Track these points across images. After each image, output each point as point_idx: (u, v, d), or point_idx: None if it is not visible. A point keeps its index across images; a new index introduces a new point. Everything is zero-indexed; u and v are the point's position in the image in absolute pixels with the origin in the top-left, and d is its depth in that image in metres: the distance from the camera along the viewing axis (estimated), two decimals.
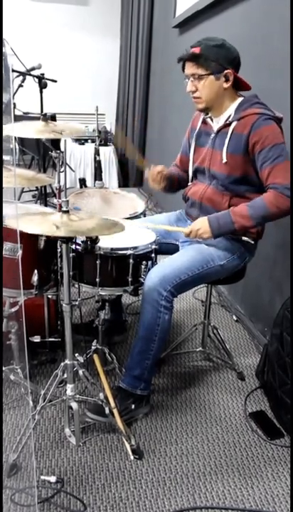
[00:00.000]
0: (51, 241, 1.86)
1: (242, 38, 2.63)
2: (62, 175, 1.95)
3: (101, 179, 2.72)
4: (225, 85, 1.86)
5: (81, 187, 2.69)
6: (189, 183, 2.16)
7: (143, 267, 1.92)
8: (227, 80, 1.85)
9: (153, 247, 1.93)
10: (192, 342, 2.58)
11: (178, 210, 2.30)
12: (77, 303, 1.73)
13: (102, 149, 4.55)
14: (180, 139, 2.28)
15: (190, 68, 1.86)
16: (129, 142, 2.07)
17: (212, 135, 1.97)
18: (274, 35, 2.31)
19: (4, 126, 1.92)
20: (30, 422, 1.82)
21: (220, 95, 1.88)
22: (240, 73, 1.89)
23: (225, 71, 1.83)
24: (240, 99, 1.91)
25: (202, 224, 1.91)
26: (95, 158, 2.81)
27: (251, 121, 1.80)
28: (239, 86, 1.92)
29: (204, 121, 2.05)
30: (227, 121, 1.89)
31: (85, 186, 2.70)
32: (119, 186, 5.81)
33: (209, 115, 2.00)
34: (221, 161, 1.90)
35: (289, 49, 2.07)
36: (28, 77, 2.96)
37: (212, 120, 2.00)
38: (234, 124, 1.86)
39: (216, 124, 1.97)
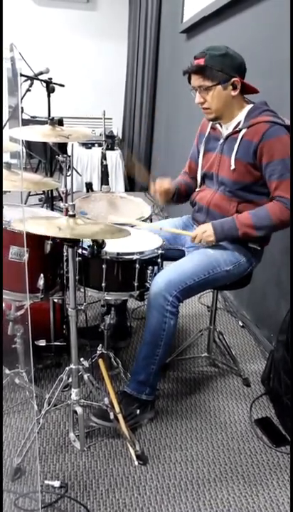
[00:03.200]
0: (57, 245, 1.86)
1: (250, 43, 2.63)
2: (68, 179, 1.95)
3: (107, 183, 2.72)
4: (233, 93, 1.85)
5: (87, 191, 2.69)
6: (197, 189, 2.16)
7: (149, 271, 1.92)
8: (234, 88, 1.85)
9: (160, 252, 1.93)
10: (197, 347, 2.57)
11: (184, 216, 2.29)
12: (82, 307, 1.73)
13: (108, 153, 4.56)
14: (187, 143, 2.28)
15: (196, 80, 1.86)
16: (141, 169, 2.09)
17: (221, 141, 1.97)
18: (282, 40, 2.30)
19: (12, 130, 1.93)
20: (35, 426, 1.81)
21: (229, 104, 1.88)
22: (246, 78, 1.89)
23: (232, 79, 1.82)
24: (249, 106, 1.90)
25: (206, 228, 1.93)
26: (102, 162, 2.81)
27: (262, 130, 1.79)
28: (246, 91, 1.91)
29: (213, 127, 2.05)
30: (237, 128, 1.89)
31: (92, 190, 2.70)
32: (126, 190, 5.82)
33: (219, 121, 1.99)
34: (229, 167, 1.90)
35: None
36: (35, 81, 2.97)
37: (221, 126, 2.00)
38: (244, 131, 1.85)
39: (225, 130, 1.97)
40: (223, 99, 1.86)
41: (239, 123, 1.90)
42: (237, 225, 1.87)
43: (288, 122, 1.83)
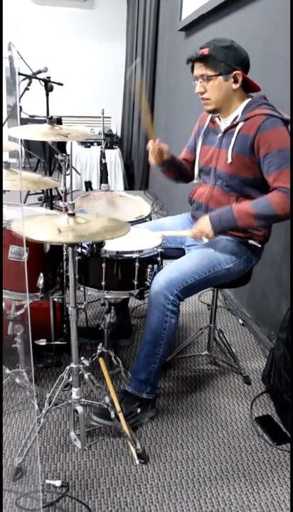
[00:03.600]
0: (57, 244, 1.86)
1: (248, 40, 2.62)
2: (68, 178, 1.95)
3: (107, 182, 2.72)
4: (234, 86, 1.85)
5: (87, 190, 2.69)
6: (194, 181, 2.15)
7: (149, 270, 1.91)
8: (235, 81, 1.84)
9: (159, 250, 1.93)
10: (198, 346, 2.57)
11: (183, 214, 2.29)
12: (82, 306, 1.72)
13: (107, 152, 4.56)
14: (185, 140, 2.28)
15: (199, 69, 1.86)
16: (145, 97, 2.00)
17: (220, 134, 1.97)
18: (279, 38, 2.30)
19: (10, 129, 1.93)
20: (36, 425, 1.81)
21: (228, 96, 1.88)
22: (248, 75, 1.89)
23: (234, 72, 1.82)
24: (247, 100, 1.90)
25: (204, 224, 1.91)
26: (101, 161, 2.81)
27: (258, 123, 1.79)
28: (248, 88, 1.91)
29: (212, 120, 2.04)
30: (235, 122, 1.88)
31: (91, 189, 2.70)
32: (125, 189, 5.82)
33: (217, 114, 1.99)
34: (226, 161, 1.90)
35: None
36: (34, 80, 2.97)
37: (220, 120, 1.99)
38: (240, 124, 1.85)
39: (224, 124, 1.97)
40: (223, 90, 1.86)
41: (237, 116, 1.89)
42: (235, 216, 1.83)
43: (287, 116, 1.83)
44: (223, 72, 1.82)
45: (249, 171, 1.87)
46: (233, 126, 1.89)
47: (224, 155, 1.92)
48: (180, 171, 2.21)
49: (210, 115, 2.04)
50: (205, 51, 1.82)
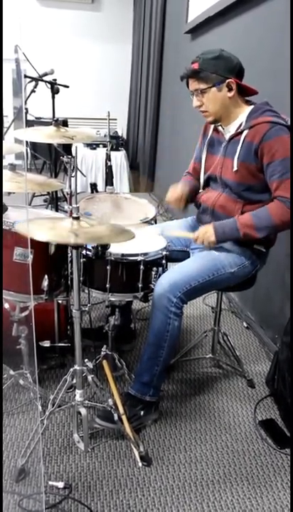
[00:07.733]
0: (62, 246, 1.86)
1: (254, 43, 2.63)
2: (73, 180, 1.95)
3: (112, 184, 2.72)
4: (229, 94, 1.86)
5: (92, 192, 2.69)
6: (201, 191, 2.15)
7: (153, 273, 1.92)
8: (230, 90, 1.85)
9: (164, 253, 1.93)
10: (202, 348, 2.57)
11: (189, 217, 2.29)
12: (86, 308, 1.73)
13: (113, 154, 4.56)
14: (192, 143, 2.28)
15: (192, 84, 1.89)
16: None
17: (224, 143, 1.97)
18: (285, 40, 2.29)
19: (16, 131, 1.94)
20: (39, 427, 1.82)
21: (226, 105, 1.88)
22: (245, 79, 1.88)
23: (227, 81, 1.83)
24: (250, 107, 1.90)
25: (207, 229, 1.93)
26: (107, 163, 2.81)
27: (262, 131, 1.79)
28: (245, 92, 1.91)
29: (215, 129, 2.04)
30: (239, 130, 1.88)
31: (96, 191, 2.70)
32: (130, 191, 5.82)
33: (219, 124, 1.99)
34: (232, 169, 1.90)
35: None
36: (40, 82, 2.98)
37: (223, 128, 1.99)
38: (245, 132, 1.85)
39: (228, 132, 1.97)
40: (219, 101, 1.87)
41: (241, 124, 1.89)
42: (238, 226, 1.86)
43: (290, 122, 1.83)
44: (216, 83, 1.83)
45: (254, 178, 1.87)
46: (238, 134, 1.89)
47: (229, 163, 1.93)
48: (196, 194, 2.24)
49: (213, 124, 2.05)
50: (195, 66, 1.85)
